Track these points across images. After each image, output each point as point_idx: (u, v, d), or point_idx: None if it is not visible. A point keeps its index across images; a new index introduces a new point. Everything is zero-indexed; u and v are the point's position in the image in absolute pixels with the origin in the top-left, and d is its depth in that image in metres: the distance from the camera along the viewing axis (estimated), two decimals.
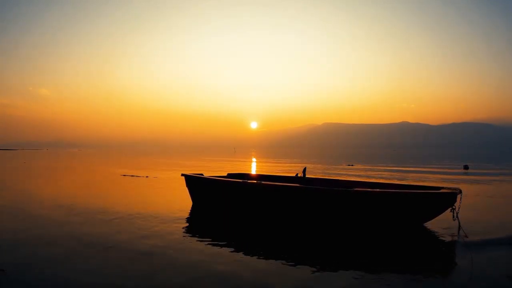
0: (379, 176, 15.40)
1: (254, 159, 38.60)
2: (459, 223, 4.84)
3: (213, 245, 4.36)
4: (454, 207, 4.94)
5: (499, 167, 23.23)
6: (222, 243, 4.45)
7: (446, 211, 5.01)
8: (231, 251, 4.09)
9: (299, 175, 7.71)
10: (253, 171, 19.86)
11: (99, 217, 6.03)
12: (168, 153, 69.30)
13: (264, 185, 6.02)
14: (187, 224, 5.61)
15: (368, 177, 14.88)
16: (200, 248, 4.23)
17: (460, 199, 4.98)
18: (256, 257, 3.88)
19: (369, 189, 5.33)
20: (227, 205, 6.61)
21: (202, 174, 7.57)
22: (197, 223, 5.87)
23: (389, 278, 3.28)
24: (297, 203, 5.61)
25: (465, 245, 4.24)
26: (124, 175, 15.04)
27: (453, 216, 4.90)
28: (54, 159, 39.87)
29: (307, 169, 7.60)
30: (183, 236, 4.82)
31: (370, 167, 22.15)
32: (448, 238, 4.71)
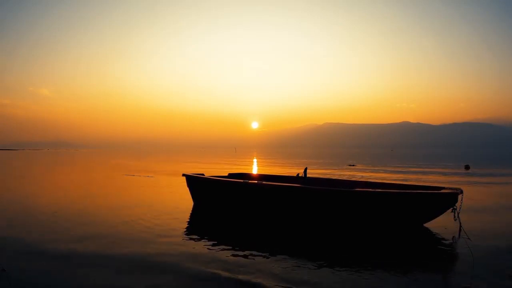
0: (380, 176, 15.38)
1: (255, 160, 38.57)
2: (460, 223, 4.83)
3: (214, 244, 4.36)
4: (455, 207, 4.92)
5: (500, 167, 23.20)
6: (223, 242, 4.45)
7: (447, 211, 5.00)
8: (231, 251, 4.08)
9: (300, 175, 7.71)
10: (254, 171, 19.84)
11: (100, 216, 6.04)
12: (169, 153, 69.31)
13: (265, 185, 6.02)
14: (188, 224, 5.61)
15: (369, 177, 14.86)
16: (200, 247, 4.23)
17: (461, 200, 4.97)
18: (256, 257, 3.88)
19: (369, 190, 5.32)
20: (228, 205, 6.61)
21: (203, 174, 7.57)
22: (198, 223, 5.87)
23: (389, 278, 3.28)
24: (297, 204, 5.60)
25: (466, 245, 4.24)
26: (126, 175, 15.06)
27: (454, 217, 4.89)
28: (56, 159, 39.91)
29: (308, 169, 7.60)
30: (184, 235, 4.82)
31: (371, 168, 22.13)
32: (449, 239, 4.70)
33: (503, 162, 31.36)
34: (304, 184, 7.08)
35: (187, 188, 7.53)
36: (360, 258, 3.91)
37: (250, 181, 6.58)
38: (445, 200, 4.93)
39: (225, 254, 3.98)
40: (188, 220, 5.94)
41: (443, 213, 5.08)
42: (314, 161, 32.49)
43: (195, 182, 7.27)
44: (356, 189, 5.41)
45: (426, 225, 5.32)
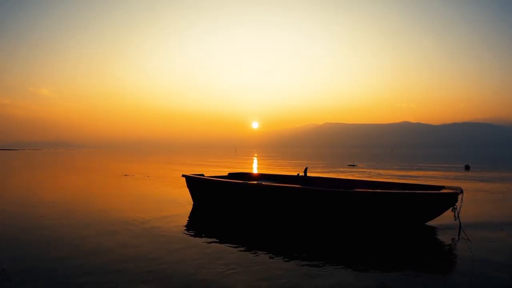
0: (381, 176, 15.37)
1: (255, 160, 38.56)
2: (460, 223, 4.83)
3: (214, 245, 4.36)
4: (455, 207, 4.92)
5: (500, 167, 23.18)
6: (223, 243, 4.45)
7: (448, 211, 5.00)
8: (231, 251, 4.09)
9: (300, 174, 7.71)
10: (254, 171, 19.83)
11: (100, 217, 6.03)
12: (169, 153, 69.32)
13: (264, 186, 6.01)
14: (188, 225, 5.61)
15: (369, 177, 14.85)
16: (200, 248, 4.23)
17: (461, 199, 4.97)
18: (256, 257, 3.88)
19: (370, 190, 5.32)
20: (228, 205, 6.61)
21: (202, 175, 7.57)
22: (197, 223, 5.86)
23: (389, 278, 3.28)
24: (297, 204, 5.60)
25: (466, 245, 4.24)
26: (125, 175, 15.05)
27: (454, 216, 4.89)
28: (56, 159, 39.91)
29: (308, 169, 7.60)
30: (184, 236, 4.81)
31: (372, 168, 22.12)
32: (448, 238, 4.70)
33: (503, 162, 31.36)
34: (304, 184, 7.09)
35: (187, 189, 7.53)
36: (360, 258, 3.91)
37: (249, 182, 6.59)
38: (445, 200, 4.93)
39: (225, 254, 3.98)
40: (188, 220, 5.94)
41: (443, 213, 5.09)
42: (314, 161, 32.48)
43: (194, 183, 7.27)
44: (356, 190, 5.41)
45: (426, 224, 5.32)
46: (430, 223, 5.35)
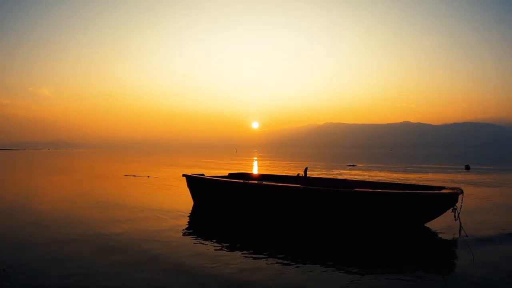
0: (380, 176, 15.37)
1: (255, 160, 38.55)
2: (460, 223, 4.83)
3: (214, 245, 4.36)
4: (455, 207, 4.92)
5: (501, 167, 23.17)
6: (223, 243, 4.45)
7: (448, 211, 5.00)
8: (232, 251, 4.08)
9: (300, 174, 7.71)
10: (255, 171, 19.82)
11: (100, 217, 6.03)
12: (169, 153, 69.31)
13: (265, 186, 6.01)
14: (188, 224, 5.61)
15: (369, 177, 14.85)
16: (200, 248, 4.23)
17: (462, 200, 4.97)
18: (257, 257, 3.87)
19: (370, 190, 5.31)
20: (228, 205, 6.61)
21: (203, 174, 7.57)
22: (198, 223, 5.86)
23: (390, 278, 3.28)
24: (298, 204, 5.60)
25: (466, 245, 4.24)
26: (125, 175, 15.05)
27: (455, 217, 4.89)
28: (56, 159, 39.92)
29: (308, 170, 7.60)
30: (184, 236, 4.82)
31: (372, 168, 22.12)
32: (449, 239, 4.70)
33: (504, 162, 31.34)
34: (304, 184, 7.08)
35: (187, 188, 7.53)
36: (360, 258, 3.90)
37: (250, 181, 6.58)
38: (445, 200, 4.93)
39: (225, 254, 3.98)
40: (188, 220, 5.93)
41: (444, 213, 5.08)
42: (315, 161, 32.47)
43: (195, 182, 7.27)
44: (357, 189, 5.40)
45: (426, 225, 5.32)
46: (430, 223, 5.34)
